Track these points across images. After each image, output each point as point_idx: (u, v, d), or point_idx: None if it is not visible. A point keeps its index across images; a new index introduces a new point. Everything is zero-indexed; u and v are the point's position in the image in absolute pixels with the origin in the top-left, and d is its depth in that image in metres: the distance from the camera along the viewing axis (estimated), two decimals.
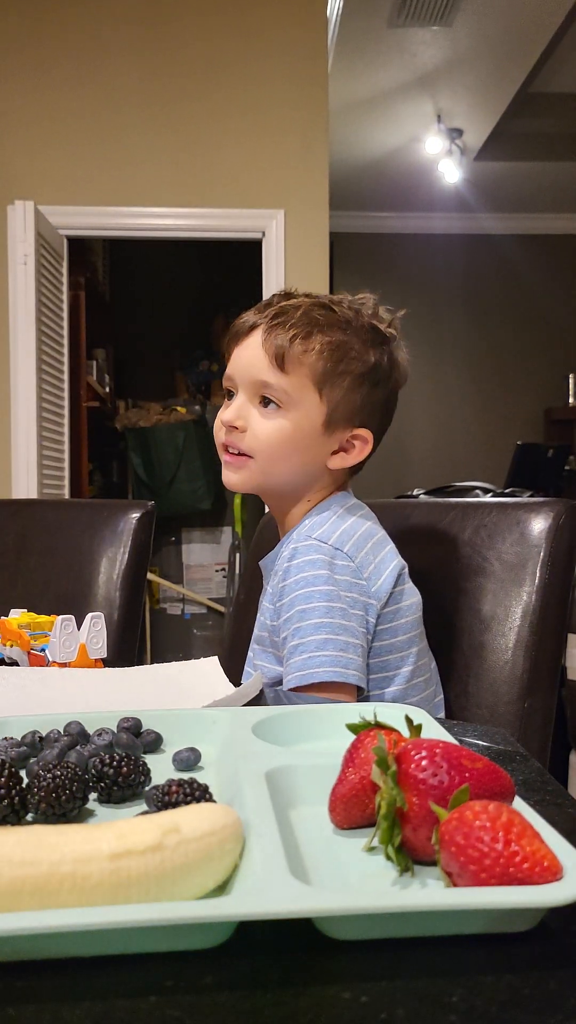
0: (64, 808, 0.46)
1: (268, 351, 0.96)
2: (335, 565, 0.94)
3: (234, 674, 0.96)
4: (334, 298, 1.02)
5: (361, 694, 0.93)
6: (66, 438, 3.58)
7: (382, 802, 0.41)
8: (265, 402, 0.97)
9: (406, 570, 1.00)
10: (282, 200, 3.46)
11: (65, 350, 3.56)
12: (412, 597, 1.00)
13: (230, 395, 1.02)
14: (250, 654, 1.08)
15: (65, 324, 3.56)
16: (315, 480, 1.01)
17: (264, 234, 3.46)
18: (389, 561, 0.98)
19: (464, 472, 5.11)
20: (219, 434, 1.02)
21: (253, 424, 0.98)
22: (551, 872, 0.36)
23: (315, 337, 0.96)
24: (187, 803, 0.45)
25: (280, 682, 0.95)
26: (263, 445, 0.97)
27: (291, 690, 0.91)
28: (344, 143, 4.71)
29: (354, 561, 0.95)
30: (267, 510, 1.25)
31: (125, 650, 1.45)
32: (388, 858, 0.41)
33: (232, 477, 1.01)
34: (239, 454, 0.99)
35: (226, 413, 1.00)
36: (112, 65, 3.41)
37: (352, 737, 0.48)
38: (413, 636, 0.98)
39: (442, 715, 1.03)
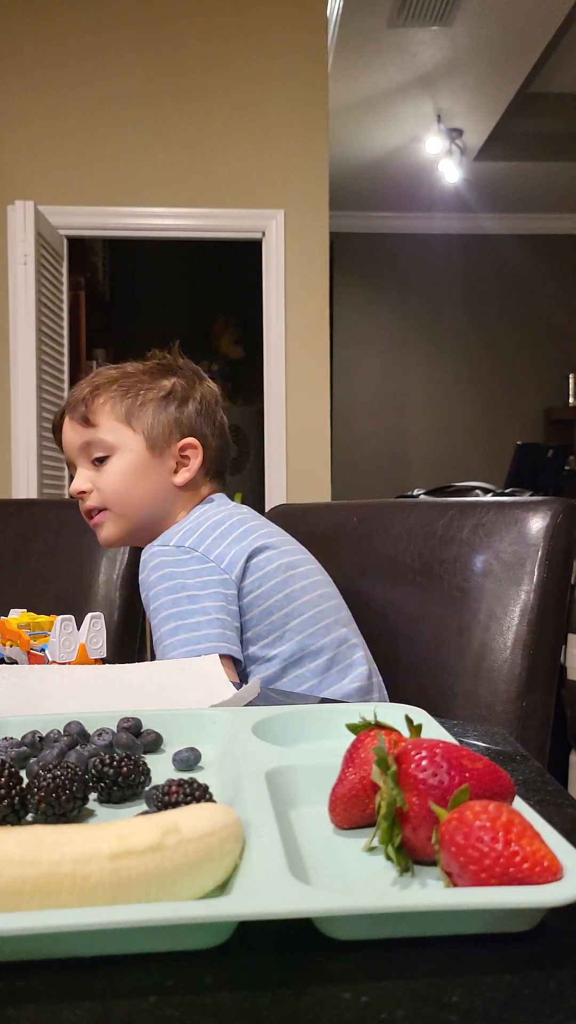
0: (64, 808, 0.46)
1: (75, 420, 1.10)
2: (178, 560, 1.01)
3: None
4: (118, 364, 1.16)
5: (239, 664, 0.98)
6: None
7: (382, 802, 0.41)
8: (96, 461, 1.09)
9: (265, 544, 1.04)
10: (282, 200, 3.46)
11: (65, 350, 3.56)
12: (274, 563, 1.03)
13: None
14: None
15: (65, 324, 3.56)
16: (172, 502, 1.11)
17: (264, 234, 3.46)
18: (241, 540, 1.03)
19: (464, 472, 5.11)
20: (81, 510, 1.13)
21: (94, 481, 1.10)
22: (551, 872, 0.36)
23: (101, 390, 1.10)
24: (187, 803, 0.45)
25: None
26: (108, 493, 1.09)
27: None
28: (344, 143, 4.71)
29: (198, 550, 1.02)
30: (268, 508, 1.27)
31: (125, 650, 1.45)
32: (388, 858, 0.41)
33: (104, 533, 1.11)
34: (98, 512, 1.10)
35: (72, 486, 1.12)
36: (112, 65, 3.41)
37: (352, 737, 0.48)
38: (287, 594, 1.02)
39: (376, 680, 1.06)
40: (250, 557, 1.01)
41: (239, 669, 0.98)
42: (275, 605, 1.01)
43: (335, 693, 1.01)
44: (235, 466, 4.44)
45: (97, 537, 1.13)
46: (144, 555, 1.04)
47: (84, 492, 1.10)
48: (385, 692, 1.08)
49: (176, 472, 1.10)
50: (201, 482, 1.12)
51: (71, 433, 1.11)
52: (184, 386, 1.12)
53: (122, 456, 1.08)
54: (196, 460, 1.10)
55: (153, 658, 1.00)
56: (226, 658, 0.95)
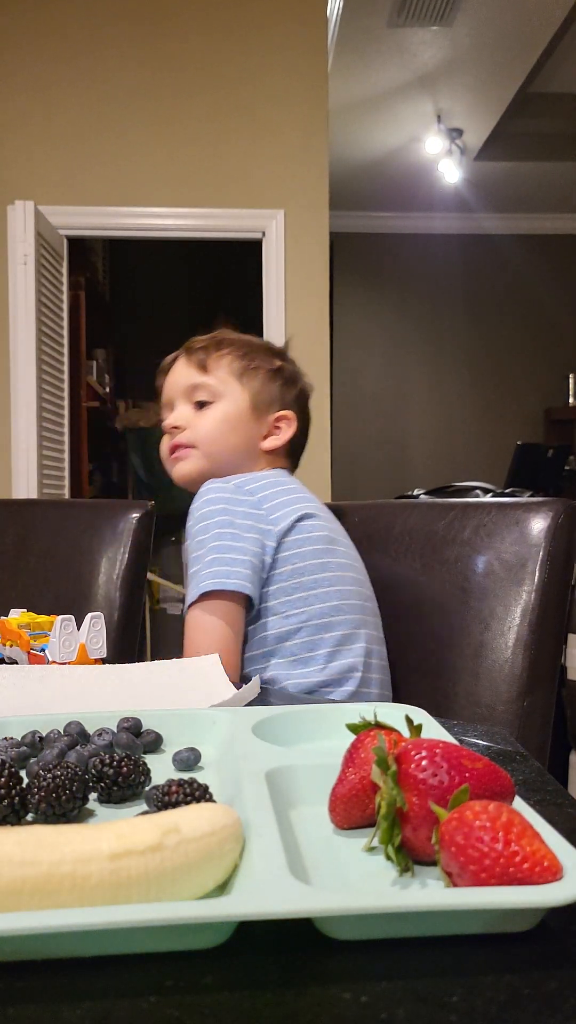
0: (64, 808, 0.46)
1: (191, 363, 1.16)
2: (232, 499, 1.06)
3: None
4: None
5: (251, 602, 1.03)
6: (66, 438, 3.58)
7: (382, 802, 0.41)
8: (199, 405, 1.15)
9: (317, 513, 1.10)
10: (282, 200, 3.46)
11: (65, 350, 3.56)
12: (319, 531, 1.09)
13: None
14: None
15: (65, 324, 3.56)
16: (251, 461, 1.16)
17: (264, 234, 3.46)
18: (295, 503, 1.09)
19: (464, 472, 5.11)
20: (165, 444, 1.18)
21: (191, 420, 1.15)
22: (551, 872, 0.36)
23: (224, 344, 1.17)
24: (187, 803, 0.45)
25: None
26: (203, 432, 1.14)
27: (188, 608, 1.02)
28: (344, 143, 4.71)
29: (254, 496, 1.07)
30: None
31: (125, 650, 1.45)
32: (388, 858, 0.41)
33: (183, 467, 1.16)
34: (185, 448, 1.14)
35: (168, 419, 1.17)
36: (112, 66, 3.41)
37: (352, 737, 0.48)
38: (323, 562, 1.07)
39: (370, 646, 1.07)
40: (299, 519, 1.07)
41: (249, 615, 1.04)
42: (308, 568, 1.05)
43: (331, 671, 1.03)
44: None
45: (171, 471, 1.18)
46: (203, 487, 1.09)
47: (178, 428, 1.15)
48: (388, 691, 1.09)
49: (266, 437, 1.16)
50: (280, 454, 1.18)
51: (183, 373, 1.16)
52: (291, 372, 1.20)
53: (226, 404, 1.14)
54: (287, 432, 1.16)
55: (153, 658, 1.00)
56: (242, 599, 1.02)
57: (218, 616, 1.01)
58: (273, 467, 1.17)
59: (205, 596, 1.01)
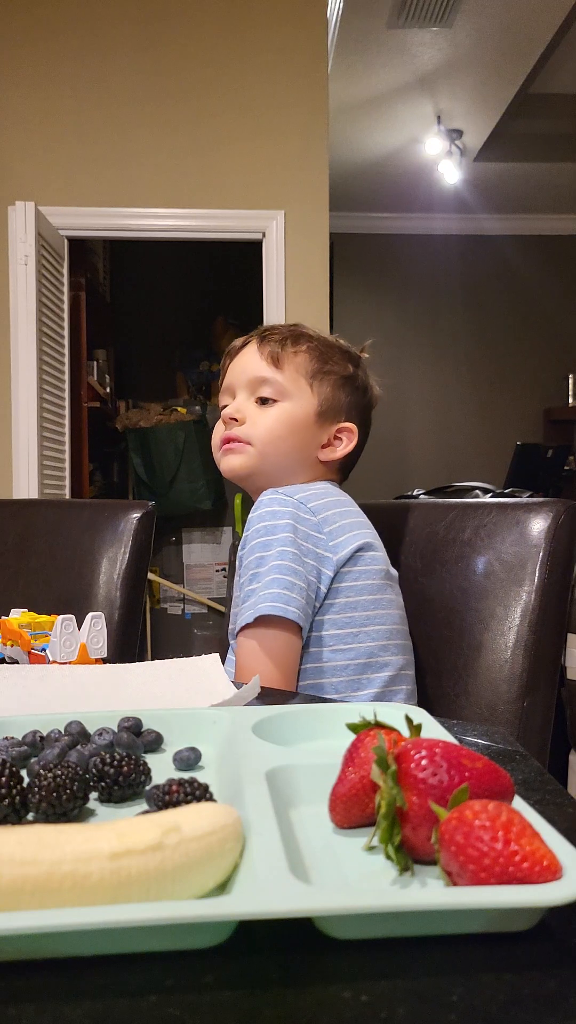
0: (65, 807, 0.46)
1: (263, 354, 1.09)
2: (297, 516, 1.00)
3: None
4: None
5: (302, 633, 0.99)
6: (67, 438, 3.58)
7: (382, 801, 0.41)
8: (262, 401, 1.08)
9: (377, 544, 1.06)
10: (282, 201, 3.46)
11: (66, 350, 3.56)
12: (379, 564, 1.05)
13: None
14: (230, 655, 1.09)
15: (66, 324, 3.56)
16: (303, 469, 1.10)
17: (264, 235, 3.46)
18: (356, 529, 1.04)
19: (464, 472, 5.11)
20: (217, 432, 1.12)
21: (251, 416, 1.08)
22: (551, 871, 0.36)
23: (302, 341, 1.10)
24: (187, 802, 0.45)
25: None
26: (262, 431, 1.07)
27: (238, 633, 0.97)
28: (344, 144, 4.71)
29: (316, 516, 1.02)
30: None
31: (125, 650, 1.45)
32: (388, 857, 0.41)
33: (233, 460, 1.09)
34: (238, 442, 1.08)
35: (226, 409, 1.10)
36: (113, 66, 3.41)
37: (352, 737, 0.48)
38: (378, 599, 1.03)
39: (412, 688, 1.06)
40: (359, 549, 1.02)
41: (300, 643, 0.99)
42: (362, 603, 1.01)
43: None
44: None
45: (219, 461, 1.12)
46: (265, 496, 1.03)
47: (236, 420, 1.09)
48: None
49: (324, 448, 1.10)
50: (332, 467, 1.12)
51: (252, 362, 1.09)
52: (363, 381, 1.13)
53: (291, 406, 1.07)
54: (347, 447, 1.10)
55: (153, 658, 1.00)
56: (297, 628, 0.97)
57: (279, 644, 0.96)
58: (324, 478, 1.11)
59: (262, 620, 0.96)
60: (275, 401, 1.07)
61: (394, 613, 1.06)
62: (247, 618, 0.96)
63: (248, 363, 1.09)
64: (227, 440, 1.09)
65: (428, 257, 5.98)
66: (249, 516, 1.03)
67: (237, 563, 1.05)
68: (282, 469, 1.08)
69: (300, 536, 0.99)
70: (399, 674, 1.03)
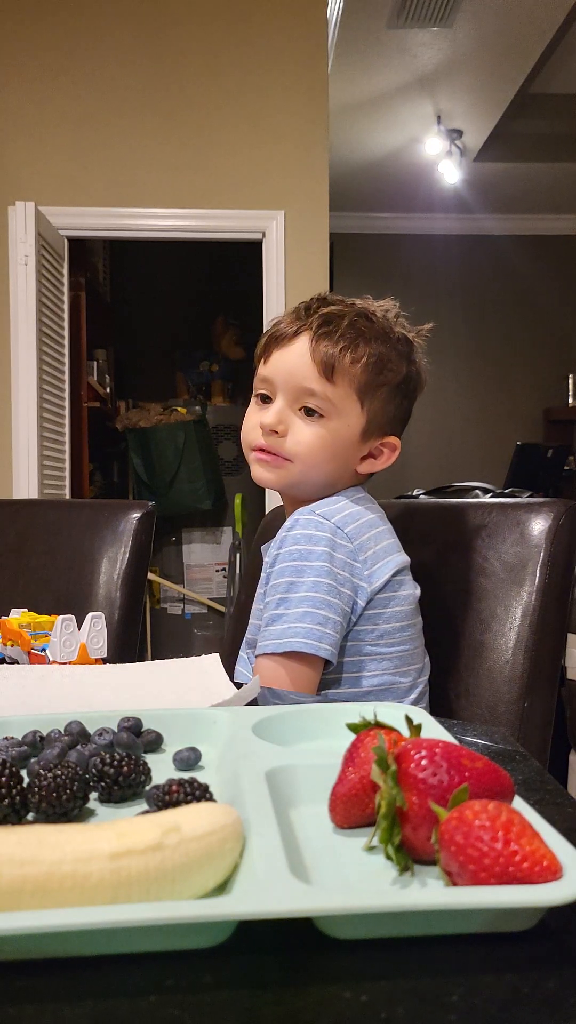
0: (65, 807, 0.46)
1: (316, 360, 0.96)
2: (334, 543, 0.95)
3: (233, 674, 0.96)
4: (369, 306, 1.02)
5: (328, 668, 0.95)
6: (67, 438, 3.58)
7: (382, 802, 0.41)
8: (308, 411, 0.98)
9: (407, 565, 1.02)
10: (282, 201, 3.46)
11: (66, 351, 3.56)
12: (409, 589, 1.01)
13: (265, 399, 1.02)
14: (243, 654, 1.08)
15: (66, 325, 3.56)
16: (341, 482, 1.03)
17: (264, 235, 3.46)
18: (390, 553, 1.00)
19: (464, 472, 5.11)
20: (252, 435, 1.02)
21: (295, 430, 0.98)
22: (551, 871, 0.36)
23: (361, 348, 0.97)
24: (187, 802, 0.45)
25: None
26: (305, 450, 0.98)
27: (261, 655, 0.93)
28: (344, 144, 4.71)
29: (352, 543, 0.96)
30: (268, 508, 1.25)
31: (126, 650, 1.45)
32: (388, 857, 0.41)
33: (268, 475, 1.01)
34: (274, 456, 1.00)
35: (267, 416, 0.99)
36: (113, 66, 3.41)
37: (352, 737, 0.48)
38: (406, 625, 1.00)
39: (427, 705, 1.04)
40: (394, 574, 0.98)
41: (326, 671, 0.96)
42: (390, 631, 0.98)
43: None
44: (235, 466, 4.44)
45: (252, 468, 1.03)
46: (300, 516, 0.98)
47: (277, 432, 0.99)
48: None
49: (364, 460, 1.03)
50: (366, 475, 1.06)
51: (302, 367, 0.97)
52: (416, 381, 1.04)
53: (337, 426, 0.98)
54: (388, 459, 1.04)
55: (153, 658, 1.00)
56: (320, 662, 0.93)
57: (306, 678, 0.93)
58: (355, 484, 1.05)
59: (290, 654, 0.92)
60: (320, 416, 0.98)
61: (418, 637, 1.04)
62: (274, 647, 0.92)
63: (297, 366, 0.97)
64: (264, 450, 1.00)
65: (428, 257, 5.98)
66: (282, 533, 0.98)
67: (263, 577, 1.01)
68: (318, 485, 1.02)
69: (337, 565, 0.94)
70: (421, 696, 1.02)
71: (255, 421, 1.01)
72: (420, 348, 1.05)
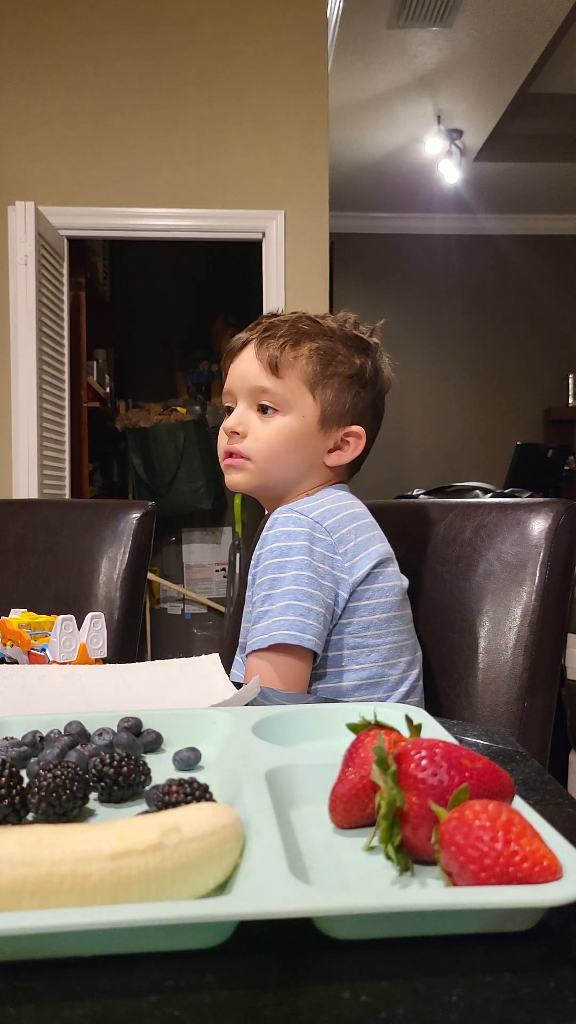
0: (64, 808, 0.46)
1: (261, 360, 1.04)
2: (313, 537, 0.98)
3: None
4: (318, 313, 1.09)
5: (316, 660, 0.97)
6: (66, 438, 3.58)
7: (382, 802, 0.41)
8: (263, 409, 1.04)
9: (391, 556, 1.04)
10: (282, 201, 3.46)
11: (65, 350, 3.56)
12: (394, 580, 1.03)
13: (230, 411, 1.08)
14: (237, 658, 1.08)
15: (65, 324, 3.56)
16: (312, 477, 1.07)
17: (264, 235, 3.46)
18: (371, 544, 1.02)
19: (464, 472, 5.11)
20: (222, 443, 1.09)
21: (253, 428, 1.05)
22: (551, 871, 0.36)
23: (303, 344, 1.04)
24: (187, 803, 0.45)
25: None
26: (262, 446, 1.04)
27: (250, 654, 0.96)
28: (344, 144, 4.71)
29: (332, 536, 1.00)
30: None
31: (125, 650, 1.45)
32: (388, 858, 0.41)
33: (235, 477, 1.07)
34: (239, 458, 1.05)
35: (228, 420, 1.07)
36: (113, 66, 3.41)
37: (352, 737, 0.48)
38: (392, 616, 1.02)
39: (420, 699, 1.05)
40: (376, 565, 1.00)
41: (314, 664, 0.98)
42: (375, 623, 1.00)
43: None
44: None
45: (225, 474, 1.09)
46: (279, 515, 1.01)
47: (239, 434, 1.05)
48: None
49: (331, 452, 1.06)
50: (340, 470, 1.09)
51: (250, 369, 1.04)
52: (372, 372, 1.07)
53: (292, 419, 1.03)
54: (354, 451, 1.06)
55: (153, 658, 1.00)
56: (311, 655, 0.96)
57: (294, 671, 0.94)
58: (333, 481, 1.08)
59: (277, 647, 0.94)
60: (276, 411, 1.03)
61: (407, 628, 1.05)
62: (261, 643, 0.94)
63: (247, 370, 1.05)
64: (228, 454, 1.06)
65: (428, 257, 5.98)
66: (263, 533, 1.01)
67: (249, 579, 1.03)
68: (287, 481, 1.06)
69: (316, 558, 0.97)
70: (412, 688, 1.02)
71: (224, 437, 1.08)
72: (378, 349, 1.10)
